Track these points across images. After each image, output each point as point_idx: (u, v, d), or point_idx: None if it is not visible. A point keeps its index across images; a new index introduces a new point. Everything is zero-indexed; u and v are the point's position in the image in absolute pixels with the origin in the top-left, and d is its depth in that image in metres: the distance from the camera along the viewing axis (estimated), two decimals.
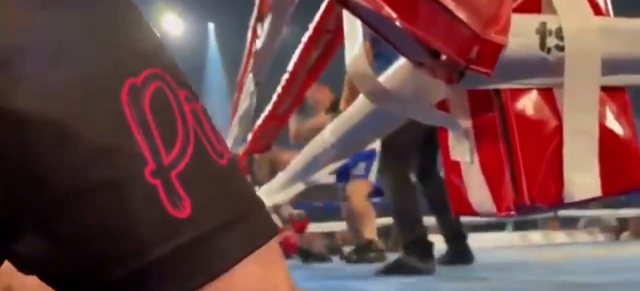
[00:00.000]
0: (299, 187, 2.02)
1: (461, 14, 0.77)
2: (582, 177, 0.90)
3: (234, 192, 0.30)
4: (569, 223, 9.07)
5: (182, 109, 0.29)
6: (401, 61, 1.02)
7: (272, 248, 0.31)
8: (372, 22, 0.85)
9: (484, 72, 0.85)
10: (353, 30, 0.97)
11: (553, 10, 0.91)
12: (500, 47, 0.84)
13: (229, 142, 4.04)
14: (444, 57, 0.87)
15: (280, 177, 2.32)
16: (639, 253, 3.84)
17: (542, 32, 0.88)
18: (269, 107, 2.14)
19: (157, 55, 0.30)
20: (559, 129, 0.92)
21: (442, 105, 1.04)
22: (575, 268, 2.66)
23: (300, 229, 4.24)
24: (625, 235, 8.36)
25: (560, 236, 8.58)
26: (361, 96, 1.19)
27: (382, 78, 1.04)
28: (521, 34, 0.87)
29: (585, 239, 8.44)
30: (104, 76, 0.27)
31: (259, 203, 0.32)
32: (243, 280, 0.28)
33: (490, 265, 3.18)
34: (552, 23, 0.89)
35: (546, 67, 0.89)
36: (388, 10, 0.68)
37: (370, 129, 1.28)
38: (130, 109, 0.27)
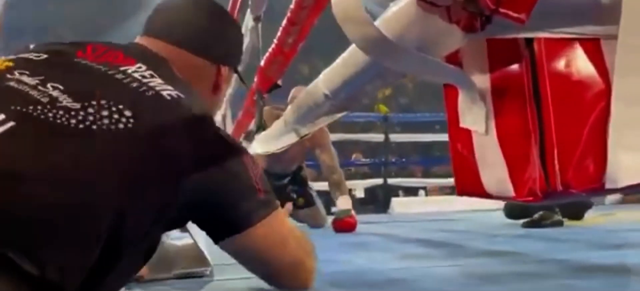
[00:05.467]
0: (293, 137, 1.75)
1: None
2: (632, 157, 0.63)
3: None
4: None
5: None
6: (401, 2, 0.73)
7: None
8: None
9: (517, 19, 0.56)
10: None
11: None
12: None
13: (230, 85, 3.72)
14: None
15: (275, 126, 2.05)
16: None
17: None
18: (274, 42, 1.88)
19: None
20: (606, 92, 0.64)
21: (453, 58, 0.76)
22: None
23: None
24: None
25: None
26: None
27: (377, 22, 0.75)
28: None
29: None
30: None
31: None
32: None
33: None
34: None
35: (597, 12, 0.61)
36: None
37: (368, 81, 0.99)
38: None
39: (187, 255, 1.20)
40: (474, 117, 0.74)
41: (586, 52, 0.64)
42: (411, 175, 6.42)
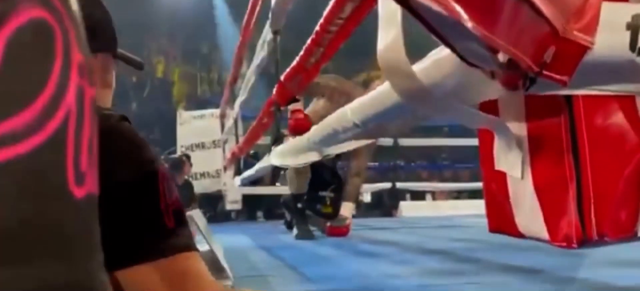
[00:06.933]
0: (314, 156, 1.78)
1: (544, 7, 0.51)
2: None
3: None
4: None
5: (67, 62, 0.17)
6: (443, 52, 0.77)
7: None
8: (418, 11, 0.59)
9: (560, 80, 0.60)
10: (389, 12, 0.72)
11: None
12: (583, 50, 0.59)
13: (244, 93, 3.73)
14: (504, 57, 0.62)
15: (296, 141, 2.08)
16: None
17: (635, 28, 0.62)
18: (296, 59, 1.89)
19: None
20: (639, 146, 0.67)
21: (488, 104, 0.80)
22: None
23: None
24: None
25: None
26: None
27: (417, 70, 0.79)
28: (608, 30, 0.62)
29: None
30: None
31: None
32: None
33: None
34: None
35: (633, 72, 0.64)
36: (458, 9, 0.43)
37: (400, 116, 1.03)
38: None
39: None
40: (510, 162, 0.78)
41: (622, 108, 0.68)
42: (419, 178, 6.45)
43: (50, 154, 0.16)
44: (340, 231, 3.43)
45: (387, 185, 5.72)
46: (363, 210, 6.08)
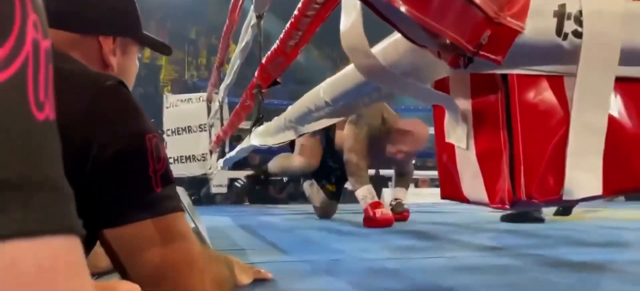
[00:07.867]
0: (290, 135, 1.87)
1: None
2: (585, 176, 0.76)
3: (36, 153, 0.24)
4: None
5: (24, 20, 0.24)
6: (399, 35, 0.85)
7: (52, 246, 0.24)
8: None
9: (495, 60, 0.69)
10: None
11: None
12: (515, 34, 0.68)
13: (230, 74, 3.80)
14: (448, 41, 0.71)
15: (274, 122, 2.17)
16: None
17: (560, 16, 0.71)
18: (277, 42, 1.98)
19: None
20: (565, 121, 0.77)
21: (441, 83, 0.89)
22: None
23: None
24: None
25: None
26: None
27: (377, 50, 0.88)
28: (537, 16, 0.71)
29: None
30: None
31: (54, 187, 0.25)
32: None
33: None
34: (571, 5, 0.72)
35: (560, 55, 0.74)
36: None
37: (366, 94, 1.12)
38: None
39: None
40: (458, 135, 0.87)
41: (551, 86, 0.77)
42: None
43: (16, 84, 0.23)
44: (402, 216, 3.45)
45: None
46: (347, 196, 6.18)
